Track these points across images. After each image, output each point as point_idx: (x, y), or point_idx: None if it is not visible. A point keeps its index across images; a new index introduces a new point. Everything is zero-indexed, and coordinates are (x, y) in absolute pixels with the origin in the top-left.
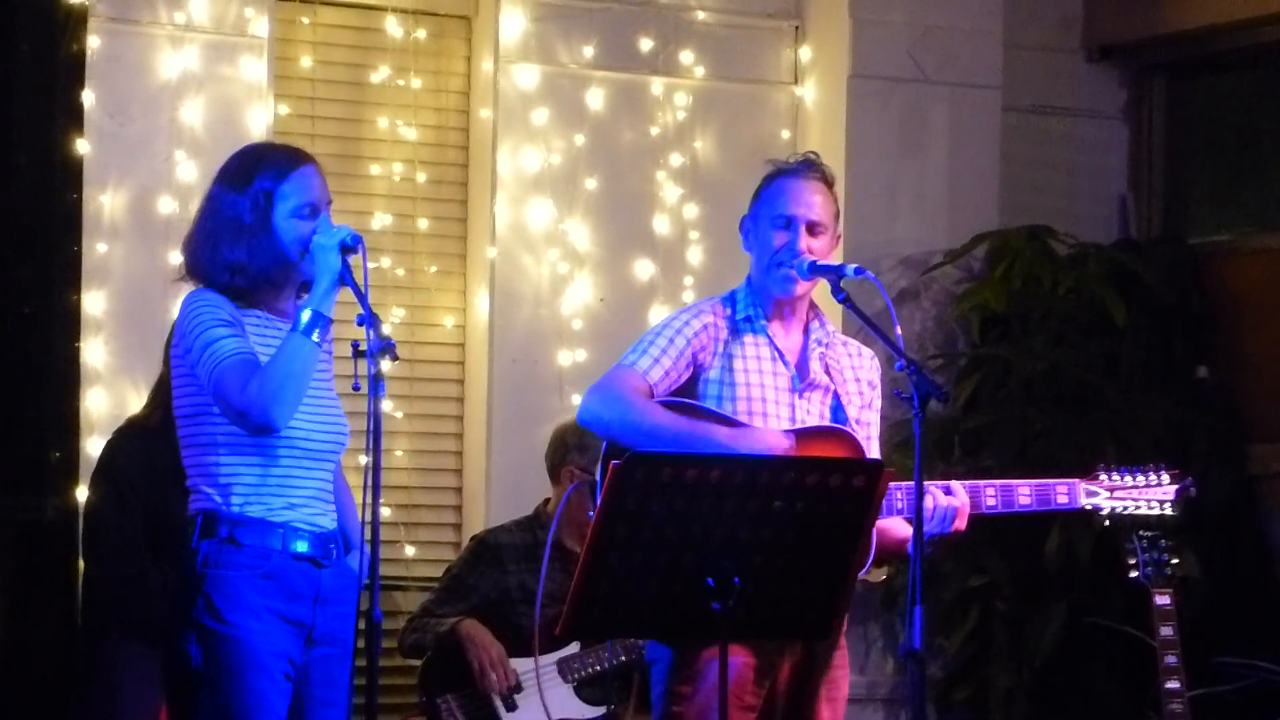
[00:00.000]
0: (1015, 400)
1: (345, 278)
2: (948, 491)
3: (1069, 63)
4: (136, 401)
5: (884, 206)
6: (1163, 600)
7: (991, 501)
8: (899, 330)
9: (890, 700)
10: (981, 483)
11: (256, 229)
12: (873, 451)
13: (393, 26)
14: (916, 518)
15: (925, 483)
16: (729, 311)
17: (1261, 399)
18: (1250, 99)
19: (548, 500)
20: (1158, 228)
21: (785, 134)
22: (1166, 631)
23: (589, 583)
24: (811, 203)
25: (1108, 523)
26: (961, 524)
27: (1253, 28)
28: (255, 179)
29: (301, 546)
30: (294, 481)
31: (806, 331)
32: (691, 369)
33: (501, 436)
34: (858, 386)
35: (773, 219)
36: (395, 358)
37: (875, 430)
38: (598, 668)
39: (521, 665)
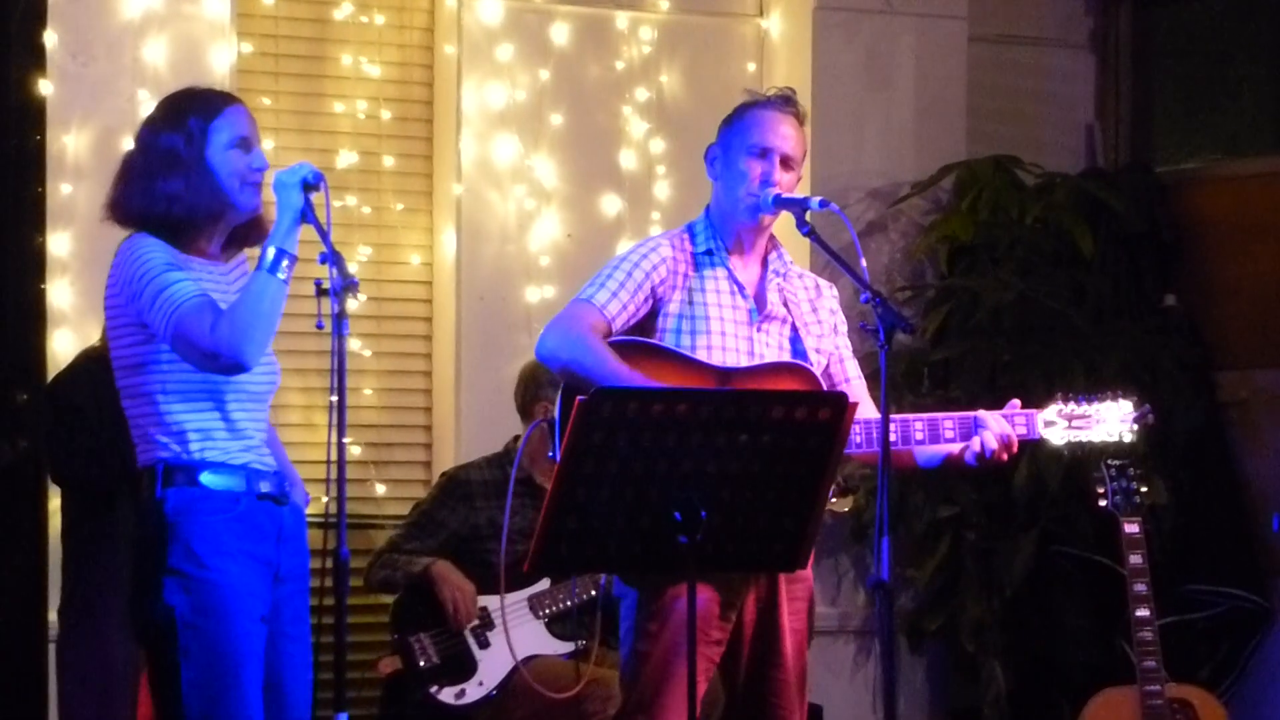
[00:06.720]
0: (983, 331)
1: (307, 215)
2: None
3: None
4: None
5: (850, 139)
6: (1131, 528)
7: (920, 436)
8: (864, 263)
9: (862, 632)
10: (941, 416)
11: (193, 163)
12: (850, 373)
13: None
14: (883, 451)
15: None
16: (688, 244)
17: (1229, 327)
18: (1216, 25)
19: (517, 437)
20: (1125, 156)
21: (751, 67)
22: (1136, 559)
23: (556, 518)
24: (788, 135)
25: (1065, 453)
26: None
27: None
28: (188, 118)
29: (265, 486)
30: (242, 424)
31: (765, 264)
32: (650, 303)
33: (470, 374)
34: (815, 317)
35: (748, 148)
36: (358, 295)
37: (848, 353)
38: (567, 603)
39: (493, 602)
